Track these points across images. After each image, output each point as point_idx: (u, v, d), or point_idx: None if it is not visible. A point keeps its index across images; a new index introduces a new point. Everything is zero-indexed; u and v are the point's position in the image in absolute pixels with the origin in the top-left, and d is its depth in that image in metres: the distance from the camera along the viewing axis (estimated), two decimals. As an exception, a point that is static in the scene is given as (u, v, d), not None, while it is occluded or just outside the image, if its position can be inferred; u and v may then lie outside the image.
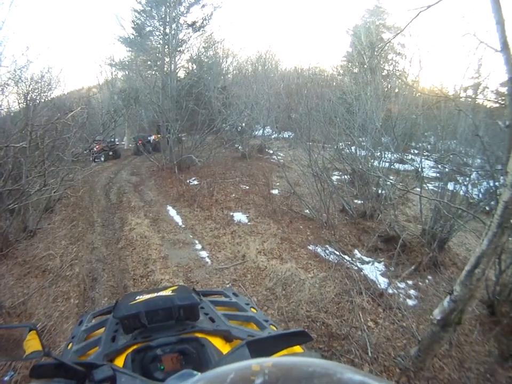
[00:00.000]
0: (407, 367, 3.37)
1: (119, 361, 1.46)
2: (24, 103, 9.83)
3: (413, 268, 5.89)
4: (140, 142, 19.34)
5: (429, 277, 5.76)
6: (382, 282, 5.55)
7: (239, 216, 8.45)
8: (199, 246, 7.06)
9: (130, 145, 23.20)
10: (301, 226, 7.81)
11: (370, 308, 4.76)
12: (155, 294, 1.77)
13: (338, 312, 4.68)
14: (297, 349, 1.57)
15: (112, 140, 21.29)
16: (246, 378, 0.67)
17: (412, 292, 5.41)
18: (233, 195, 10.11)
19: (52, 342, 4.26)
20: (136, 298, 1.76)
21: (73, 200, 10.48)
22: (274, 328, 1.76)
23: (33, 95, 9.95)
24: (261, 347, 1.29)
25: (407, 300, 5.19)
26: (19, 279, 5.83)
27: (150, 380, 1.17)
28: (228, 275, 5.86)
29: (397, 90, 16.45)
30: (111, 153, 19.67)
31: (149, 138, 19.79)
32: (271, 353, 1.38)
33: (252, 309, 2.01)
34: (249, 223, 8.06)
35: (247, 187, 10.87)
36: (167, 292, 1.80)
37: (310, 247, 6.77)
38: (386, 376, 3.31)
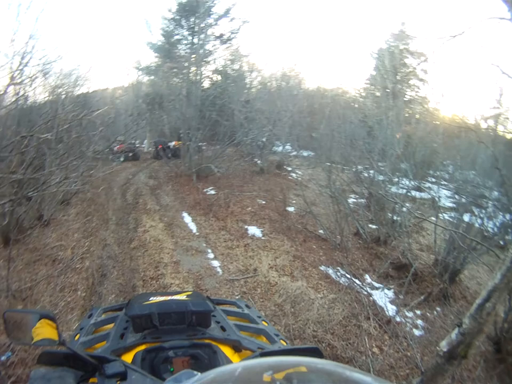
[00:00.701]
0: None
1: (126, 358, 1.47)
2: (51, 96, 10.09)
3: (422, 297, 5.85)
4: (160, 146, 19.38)
5: (438, 309, 5.70)
6: (390, 309, 5.51)
7: (254, 230, 8.46)
8: (211, 255, 7.09)
9: (150, 148, 23.28)
10: (314, 246, 7.80)
11: (376, 334, 4.76)
12: (169, 297, 1.82)
13: (345, 335, 4.69)
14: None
15: (133, 142, 21.47)
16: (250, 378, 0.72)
17: (419, 322, 5.38)
18: (249, 208, 10.13)
19: None
20: (150, 299, 1.80)
21: (90, 195, 10.62)
22: (284, 343, 1.77)
23: (60, 90, 10.24)
24: None
25: (414, 330, 5.15)
26: (28, 265, 5.94)
27: (160, 380, 1.19)
28: (238, 287, 5.89)
29: (417, 116, 16.49)
30: (130, 154, 19.81)
31: (169, 144, 19.69)
32: None
33: (263, 322, 2.02)
34: (263, 238, 8.07)
35: (264, 202, 10.88)
36: (181, 297, 1.83)
37: (322, 268, 6.76)
38: None
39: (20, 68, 6.52)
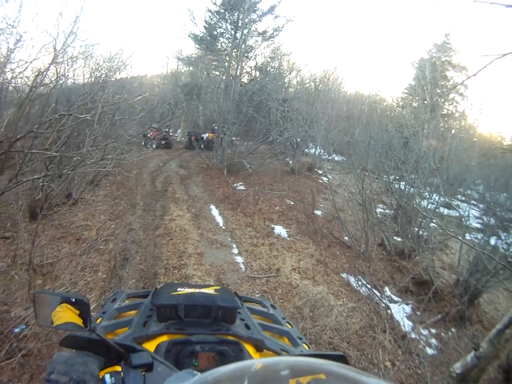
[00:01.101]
0: None
1: (148, 347, 1.46)
2: (91, 79, 10.48)
3: (439, 316, 5.84)
4: (193, 137, 19.35)
5: (453, 329, 5.68)
6: (407, 325, 5.55)
7: (280, 230, 8.51)
8: (235, 251, 7.16)
9: (183, 138, 23.34)
10: (338, 252, 7.81)
11: (390, 348, 4.81)
12: (197, 290, 1.79)
13: (360, 345, 4.74)
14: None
15: (167, 130, 21.50)
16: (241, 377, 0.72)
17: (433, 341, 5.36)
18: (277, 208, 10.16)
19: None
20: (178, 289, 1.78)
21: (120, 179, 10.73)
22: (307, 347, 1.76)
23: (100, 73, 10.54)
24: None
25: (427, 348, 5.14)
26: (52, 241, 6.08)
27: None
28: (259, 285, 5.95)
29: (453, 131, 16.20)
30: (163, 142, 19.85)
31: (202, 135, 19.74)
32: None
33: (287, 324, 2.00)
34: (288, 239, 8.10)
35: (292, 202, 10.90)
36: (209, 290, 1.80)
37: (344, 275, 6.78)
38: None
39: (63, 48, 6.71)
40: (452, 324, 5.76)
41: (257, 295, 5.58)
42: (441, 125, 16.40)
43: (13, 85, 7.11)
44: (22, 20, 9.10)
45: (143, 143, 18.15)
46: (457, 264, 6.74)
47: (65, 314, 1.21)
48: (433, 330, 5.60)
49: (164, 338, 1.57)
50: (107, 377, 1.10)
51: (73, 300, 1.24)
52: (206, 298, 1.72)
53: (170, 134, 22.95)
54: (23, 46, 6.57)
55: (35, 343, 3.55)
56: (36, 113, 7.05)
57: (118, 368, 1.19)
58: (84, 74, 10.77)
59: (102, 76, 10.35)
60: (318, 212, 10.44)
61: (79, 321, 1.19)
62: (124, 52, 19.15)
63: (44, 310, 1.27)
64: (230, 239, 7.72)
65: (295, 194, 11.58)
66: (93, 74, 10.71)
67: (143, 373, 1.15)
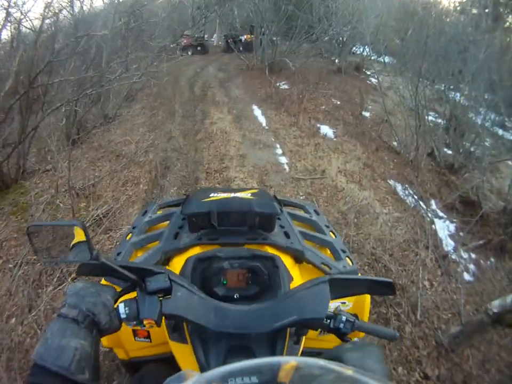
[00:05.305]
0: (443, 343, 3.18)
1: (178, 262, 1.31)
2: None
3: (481, 242, 5.39)
4: (230, 39, 18.77)
5: (492, 259, 5.22)
6: (449, 244, 5.22)
7: (326, 130, 8.02)
8: (279, 151, 6.86)
9: (220, 42, 22.89)
10: (386, 157, 7.32)
11: (431, 267, 4.51)
12: (232, 194, 1.56)
13: (402, 259, 4.50)
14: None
15: (202, 35, 21.20)
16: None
17: (471, 266, 4.98)
18: (323, 107, 9.57)
19: (115, 224, 4.38)
20: (210, 195, 1.54)
21: (156, 90, 10.54)
22: (350, 262, 1.52)
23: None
24: (343, 288, 1.12)
25: (465, 273, 4.80)
26: (92, 163, 6.02)
27: (209, 298, 1.03)
28: (304, 187, 5.68)
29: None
30: (199, 48, 19.78)
31: (240, 37, 19.09)
32: (350, 295, 1.29)
33: (331, 233, 1.75)
34: (334, 139, 7.65)
35: (339, 102, 10.23)
36: (246, 194, 1.57)
37: (391, 182, 6.36)
38: (421, 344, 3.18)
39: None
40: (491, 253, 5.30)
41: (301, 197, 5.37)
42: (504, 38, 14.85)
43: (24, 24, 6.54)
44: None
45: (177, 51, 17.76)
46: (507, 191, 6.16)
47: (75, 244, 1.02)
48: (473, 256, 5.21)
49: (197, 250, 1.37)
50: (121, 306, 0.96)
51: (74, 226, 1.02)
52: (241, 203, 1.48)
53: (206, 39, 22.60)
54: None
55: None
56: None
57: (135, 294, 1.01)
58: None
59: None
60: (366, 114, 9.81)
61: (87, 249, 0.98)
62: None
63: (46, 243, 1.09)
64: (273, 139, 7.40)
65: (342, 94, 10.92)
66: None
67: (160, 298, 0.98)
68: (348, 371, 0.64)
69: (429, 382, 2.87)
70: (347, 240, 4.48)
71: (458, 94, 8.32)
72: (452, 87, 8.68)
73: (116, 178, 5.47)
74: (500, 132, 8.50)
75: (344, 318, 1.04)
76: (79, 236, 0.97)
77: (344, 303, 1.43)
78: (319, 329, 1.12)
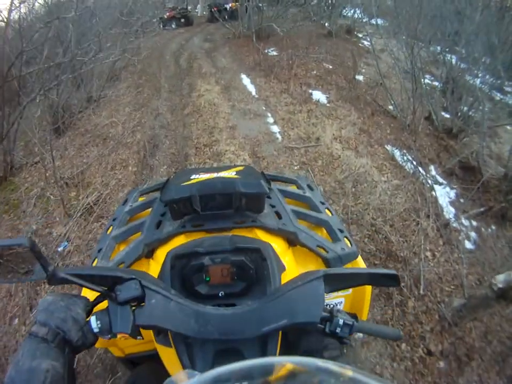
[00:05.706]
0: (446, 317, 3.10)
1: (162, 254, 1.16)
2: None
3: (482, 209, 5.18)
4: (215, 8, 18.36)
5: (493, 227, 5.02)
6: (449, 211, 5.02)
7: (318, 95, 7.72)
8: (271, 120, 6.62)
9: (204, 12, 22.59)
10: (382, 122, 7.06)
11: (432, 237, 4.33)
12: (214, 174, 1.39)
13: (403, 230, 4.31)
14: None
15: (185, 7, 21.01)
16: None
17: (472, 234, 4.79)
18: (314, 72, 9.26)
19: (106, 211, 4.31)
20: (191, 177, 1.38)
21: (140, 67, 10.47)
22: (348, 243, 1.36)
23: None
24: (339, 283, 1.01)
25: (466, 241, 4.60)
26: (80, 149, 5.91)
27: (188, 302, 0.91)
28: (298, 156, 5.46)
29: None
30: (182, 20, 19.43)
31: (225, 5, 18.76)
32: (348, 287, 1.20)
33: (327, 211, 1.58)
34: (328, 105, 7.37)
35: (331, 66, 9.90)
36: (230, 173, 1.40)
37: (388, 147, 6.15)
38: (424, 319, 3.09)
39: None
40: (492, 221, 5.11)
41: (295, 167, 5.17)
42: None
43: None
44: None
45: (160, 26, 17.84)
46: (507, 157, 5.94)
47: (28, 262, 0.90)
48: (474, 223, 5.02)
49: (181, 239, 1.26)
50: (92, 320, 0.88)
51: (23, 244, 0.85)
52: (225, 184, 1.32)
53: (189, 10, 22.26)
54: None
55: (78, 256, 3.61)
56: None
57: (106, 304, 0.93)
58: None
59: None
60: (360, 77, 9.47)
61: (42, 267, 0.87)
62: None
63: (7, 262, 0.94)
64: (264, 108, 7.14)
65: (334, 58, 10.57)
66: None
67: (134, 307, 0.90)
68: (348, 371, 0.60)
69: (432, 358, 2.78)
70: (345, 211, 4.28)
71: (455, 57, 8.02)
72: (447, 49, 8.37)
73: (104, 163, 5.36)
74: (498, 96, 8.29)
75: (341, 321, 0.92)
76: (30, 254, 0.84)
77: (341, 302, 1.37)
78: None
